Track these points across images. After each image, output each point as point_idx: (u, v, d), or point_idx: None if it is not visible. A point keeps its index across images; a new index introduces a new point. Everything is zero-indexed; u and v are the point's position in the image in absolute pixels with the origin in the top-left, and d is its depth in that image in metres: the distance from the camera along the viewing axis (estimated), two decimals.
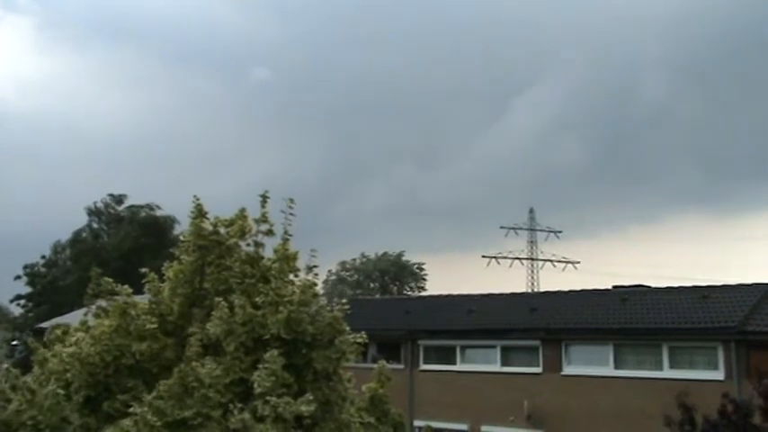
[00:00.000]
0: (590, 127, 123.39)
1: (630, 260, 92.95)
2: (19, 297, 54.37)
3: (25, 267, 54.22)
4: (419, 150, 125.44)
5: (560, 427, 22.23)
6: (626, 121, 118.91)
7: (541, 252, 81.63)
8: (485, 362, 25.10)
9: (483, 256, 78.43)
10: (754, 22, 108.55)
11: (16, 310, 55.60)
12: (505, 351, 24.60)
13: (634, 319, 22.56)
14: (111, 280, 10.55)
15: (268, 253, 10.76)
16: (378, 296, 60.35)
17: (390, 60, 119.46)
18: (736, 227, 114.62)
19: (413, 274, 68.58)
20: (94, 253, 51.04)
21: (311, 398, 8.93)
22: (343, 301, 10.76)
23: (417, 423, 24.50)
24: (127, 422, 9.04)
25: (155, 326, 10.13)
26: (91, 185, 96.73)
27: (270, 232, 10.77)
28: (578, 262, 79.66)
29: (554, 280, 79.34)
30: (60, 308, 41.13)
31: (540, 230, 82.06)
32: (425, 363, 26.26)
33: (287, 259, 10.52)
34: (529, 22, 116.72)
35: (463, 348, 25.77)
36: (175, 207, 50.63)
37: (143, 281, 10.74)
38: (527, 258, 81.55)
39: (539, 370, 23.41)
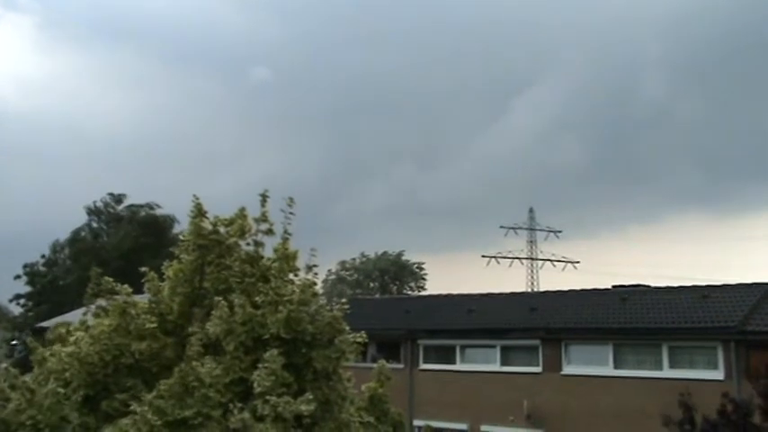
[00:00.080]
0: (590, 127, 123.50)
1: (630, 260, 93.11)
2: (18, 297, 54.35)
3: (25, 267, 54.20)
4: (419, 150, 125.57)
5: (560, 427, 22.23)
6: (626, 121, 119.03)
7: (541, 252, 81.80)
8: (484, 361, 25.10)
9: (483, 256, 78.61)
10: (754, 22, 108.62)
11: (16, 310, 55.62)
12: (505, 351, 24.60)
13: (634, 318, 22.56)
14: (111, 279, 10.55)
15: (268, 252, 10.77)
16: (377, 296, 60.38)
17: (390, 60, 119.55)
18: (736, 227, 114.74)
19: (412, 274, 68.58)
20: (94, 252, 51.02)
21: (311, 397, 8.93)
22: (343, 300, 10.77)
23: (417, 423, 24.51)
24: (126, 421, 9.04)
25: (154, 325, 10.13)
26: (91, 185, 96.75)
27: (270, 231, 10.77)
28: (578, 262, 79.82)
29: (554, 280, 79.48)
30: (60, 307, 41.10)
31: (540, 230, 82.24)
32: (425, 362, 26.26)
33: (287, 258, 10.53)
34: (529, 22, 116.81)
35: (463, 348, 25.77)
36: (176, 207, 50.65)
37: (143, 280, 10.74)
38: (527, 258, 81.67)
39: (538, 369, 23.41)
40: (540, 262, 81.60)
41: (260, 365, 9.08)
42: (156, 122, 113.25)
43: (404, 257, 68.24)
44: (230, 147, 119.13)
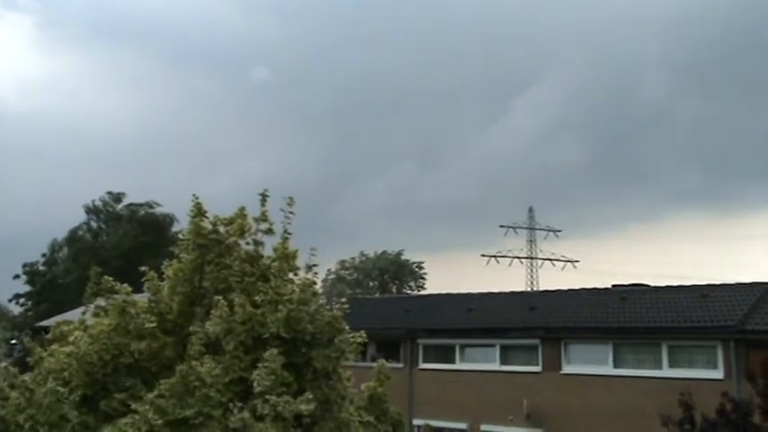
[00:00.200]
0: (590, 127, 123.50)
1: (630, 259, 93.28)
2: (18, 296, 54.34)
3: (24, 266, 54.20)
4: (419, 150, 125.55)
5: (559, 426, 22.23)
6: (626, 121, 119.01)
7: (541, 251, 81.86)
8: (484, 361, 25.09)
9: (482, 255, 78.67)
10: (754, 22, 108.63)
11: (15, 309, 55.61)
12: (505, 350, 24.60)
13: (633, 318, 22.56)
14: (110, 279, 10.54)
15: (267, 252, 10.77)
16: (377, 295, 60.37)
17: (390, 60, 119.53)
18: (736, 226, 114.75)
19: (412, 273, 68.56)
20: (94, 252, 51.01)
21: (311, 397, 8.93)
22: (343, 300, 10.77)
23: (416, 422, 24.52)
24: (125, 421, 9.03)
25: (154, 325, 10.13)
26: (91, 185, 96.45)
27: (269, 231, 10.78)
28: (578, 261, 79.87)
29: (553, 279, 79.59)
30: (60, 306, 41.05)
31: (540, 229, 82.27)
32: (425, 361, 26.26)
33: (286, 258, 10.53)
34: (529, 22, 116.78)
35: (462, 347, 25.77)
36: (176, 207, 50.62)
37: (142, 279, 10.74)
38: (526, 257, 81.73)
39: (538, 369, 23.41)
40: (540, 261, 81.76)
41: (260, 365, 9.07)
42: (156, 122, 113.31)
43: (403, 257, 68.28)
44: (230, 147, 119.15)
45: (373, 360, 13.16)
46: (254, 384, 8.94)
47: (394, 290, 66.37)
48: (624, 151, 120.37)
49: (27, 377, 10.39)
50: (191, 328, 9.96)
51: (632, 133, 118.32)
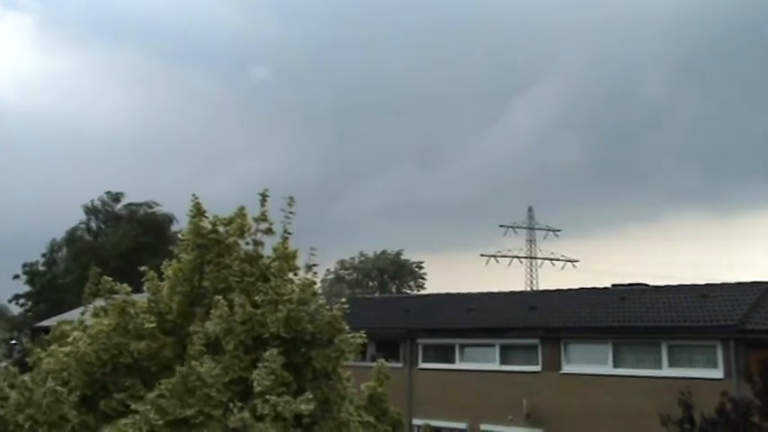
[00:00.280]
0: (590, 127, 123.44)
1: (629, 259, 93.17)
2: (18, 296, 54.33)
3: (24, 266, 54.19)
4: (419, 150, 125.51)
5: (559, 426, 22.23)
6: (626, 122, 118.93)
7: (540, 251, 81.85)
8: (484, 360, 25.09)
9: (482, 255, 78.66)
10: (754, 23, 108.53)
11: (15, 310, 55.61)
12: (504, 350, 24.60)
13: (633, 317, 22.56)
14: (110, 279, 10.54)
15: (267, 251, 10.77)
16: (377, 295, 60.38)
17: (390, 60, 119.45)
18: (736, 226, 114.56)
19: (411, 273, 68.60)
20: (94, 252, 51.00)
21: (310, 396, 8.94)
22: (343, 300, 10.78)
23: (416, 422, 24.51)
24: (126, 421, 9.02)
25: (153, 325, 10.13)
26: (92, 185, 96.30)
27: (269, 231, 10.78)
28: (577, 261, 79.84)
29: (553, 278, 79.58)
30: (59, 306, 41.08)
31: (539, 229, 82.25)
32: (424, 361, 26.25)
33: (286, 258, 10.53)
34: (529, 22, 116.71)
35: (462, 347, 25.77)
36: (176, 207, 50.54)
37: (142, 279, 10.73)
38: (526, 257, 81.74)
39: (538, 368, 23.41)
40: (540, 261, 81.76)
41: (260, 365, 9.08)
42: (156, 122, 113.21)
43: (403, 256, 68.31)
44: (230, 147, 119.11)
45: (373, 360, 13.17)
46: (254, 384, 8.94)
47: (393, 290, 66.40)
48: (624, 151, 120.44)
49: (27, 377, 10.40)
50: (191, 328, 9.96)
51: (632, 133, 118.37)
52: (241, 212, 10.81)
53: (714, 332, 20.34)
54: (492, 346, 24.85)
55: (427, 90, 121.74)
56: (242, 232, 10.73)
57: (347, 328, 10.05)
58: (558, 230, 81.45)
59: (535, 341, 23.65)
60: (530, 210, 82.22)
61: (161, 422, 8.83)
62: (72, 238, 54.86)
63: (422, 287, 67.16)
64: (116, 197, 56.37)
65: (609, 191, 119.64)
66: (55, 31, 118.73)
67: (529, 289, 69.38)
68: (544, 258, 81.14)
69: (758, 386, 14.87)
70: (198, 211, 10.62)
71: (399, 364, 25.71)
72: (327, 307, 10.09)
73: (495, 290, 29.51)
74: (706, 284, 23.60)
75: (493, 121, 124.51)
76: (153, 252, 42.77)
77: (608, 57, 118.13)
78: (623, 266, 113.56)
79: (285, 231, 10.60)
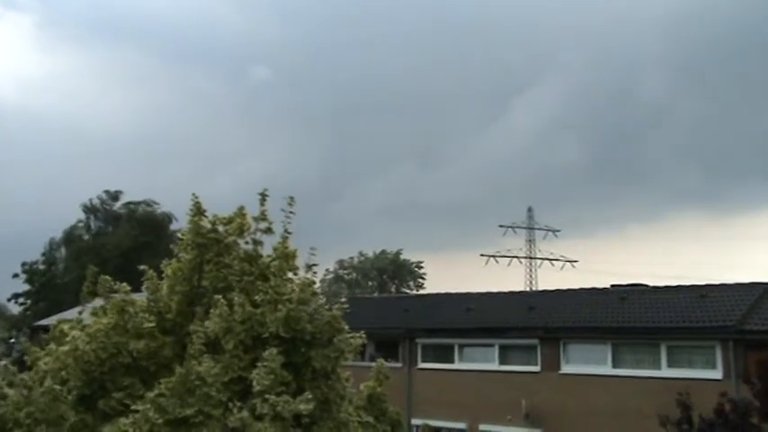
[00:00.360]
0: (590, 127, 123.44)
1: (629, 259, 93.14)
2: (17, 295, 54.31)
3: (23, 265, 54.16)
4: (419, 150, 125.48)
5: (558, 426, 22.24)
6: (626, 122, 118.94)
7: (540, 251, 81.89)
8: (483, 360, 25.10)
9: (481, 255, 78.73)
10: (754, 23, 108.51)
11: (14, 309, 55.60)
12: (504, 350, 24.60)
13: (632, 318, 22.57)
14: (109, 278, 10.53)
15: (267, 251, 10.76)
16: (376, 294, 60.38)
17: (390, 60, 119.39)
18: (736, 226, 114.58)
19: (411, 273, 68.61)
20: (94, 251, 50.97)
21: (310, 396, 8.93)
22: (343, 299, 10.77)
23: (415, 422, 24.53)
24: (125, 421, 9.02)
25: (153, 324, 10.12)
26: (91, 185, 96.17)
27: (269, 230, 10.78)
28: (576, 261, 79.92)
29: (552, 279, 79.67)
30: (59, 305, 41.04)
31: (539, 229, 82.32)
32: (423, 361, 26.26)
33: (286, 257, 10.52)
34: (529, 22, 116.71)
35: (461, 347, 25.77)
36: (176, 206, 50.49)
37: (141, 279, 10.72)
38: (525, 257, 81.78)
39: (537, 369, 23.42)
40: (539, 261, 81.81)
41: (259, 364, 9.07)
42: (156, 122, 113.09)
43: (402, 256, 68.34)
44: (230, 147, 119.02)
45: (372, 360, 13.16)
46: (254, 384, 8.94)
47: (393, 289, 66.40)
48: (624, 151, 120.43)
49: (25, 376, 10.39)
50: (190, 328, 9.95)
51: (632, 133, 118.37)
52: (241, 212, 10.80)
53: (713, 333, 20.35)
54: (491, 346, 24.85)
55: (427, 90, 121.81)
56: (241, 232, 10.73)
57: (347, 327, 10.04)
58: (558, 230, 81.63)
59: (534, 341, 23.66)
60: (529, 210, 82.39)
61: (161, 421, 8.82)
62: (70, 237, 54.85)
63: (421, 287, 67.25)
64: (114, 196, 56.35)
65: (609, 191, 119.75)
66: (55, 31, 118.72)
67: (528, 289, 69.45)
68: (544, 258, 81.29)
69: (757, 387, 14.89)
70: (198, 211, 10.61)
71: (398, 364, 25.72)
72: (327, 307, 10.08)
73: (495, 290, 29.55)
74: (705, 285, 23.61)
75: (493, 121, 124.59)
76: (152, 251, 42.76)
77: (608, 57, 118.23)
78: (623, 266, 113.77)
79: (285, 231, 10.59)
